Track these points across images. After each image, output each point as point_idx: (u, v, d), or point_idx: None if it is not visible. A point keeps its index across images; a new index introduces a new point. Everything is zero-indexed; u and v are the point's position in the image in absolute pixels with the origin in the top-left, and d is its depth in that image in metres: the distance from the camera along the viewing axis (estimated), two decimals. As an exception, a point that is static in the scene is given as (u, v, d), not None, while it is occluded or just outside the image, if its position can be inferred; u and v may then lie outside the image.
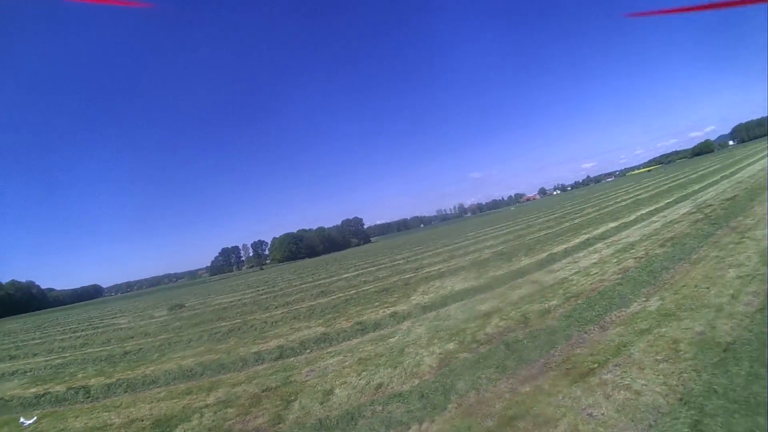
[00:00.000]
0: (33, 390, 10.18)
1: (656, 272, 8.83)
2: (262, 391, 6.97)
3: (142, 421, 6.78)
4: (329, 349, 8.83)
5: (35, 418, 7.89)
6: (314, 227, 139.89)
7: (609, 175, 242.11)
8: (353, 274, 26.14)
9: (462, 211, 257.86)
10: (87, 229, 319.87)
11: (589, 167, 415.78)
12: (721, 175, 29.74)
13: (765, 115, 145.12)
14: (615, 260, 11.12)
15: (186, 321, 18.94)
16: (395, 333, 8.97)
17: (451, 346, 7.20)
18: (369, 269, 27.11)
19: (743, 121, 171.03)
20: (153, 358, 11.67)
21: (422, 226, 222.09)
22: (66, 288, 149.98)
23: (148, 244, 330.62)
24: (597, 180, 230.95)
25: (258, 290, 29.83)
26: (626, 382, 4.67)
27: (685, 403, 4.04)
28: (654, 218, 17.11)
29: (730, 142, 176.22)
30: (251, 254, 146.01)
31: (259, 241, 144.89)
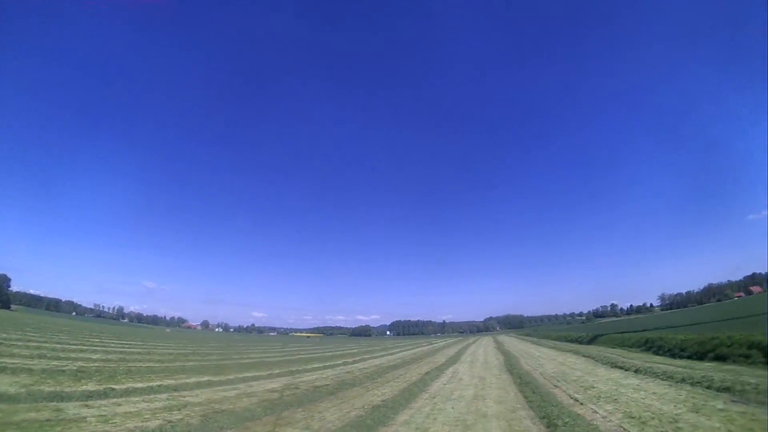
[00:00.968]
0: None
1: None
2: None
3: None
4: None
5: None
6: None
7: (273, 329, 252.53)
8: None
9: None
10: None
11: (259, 316, 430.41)
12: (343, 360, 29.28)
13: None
14: None
15: None
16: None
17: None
18: None
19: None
20: None
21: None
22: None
23: None
24: (260, 330, 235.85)
25: None
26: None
27: None
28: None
29: (388, 332, 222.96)
30: None
31: None
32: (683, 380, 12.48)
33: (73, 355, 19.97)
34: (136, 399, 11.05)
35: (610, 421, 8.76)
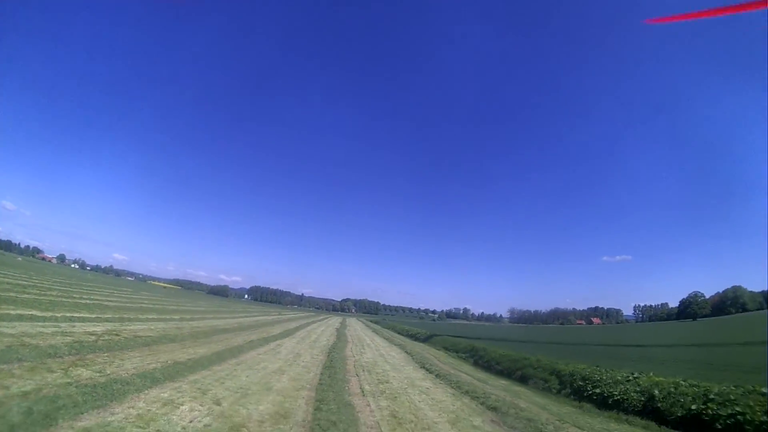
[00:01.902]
0: None
1: None
2: None
3: None
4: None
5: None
6: None
7: (132, 274, 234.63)
8: None
9: None
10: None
11: (120, 258, 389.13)
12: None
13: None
14: None
15: None
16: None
17: None
18: None
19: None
20: None
21: None
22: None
23: None
24: (118, 273, 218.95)
25: None
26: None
27: None
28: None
29: (246, 296, 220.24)
30: None
31: None
32: (467, 392, 13.89)
33: None
34: None
35: (374, 416, 9.72)
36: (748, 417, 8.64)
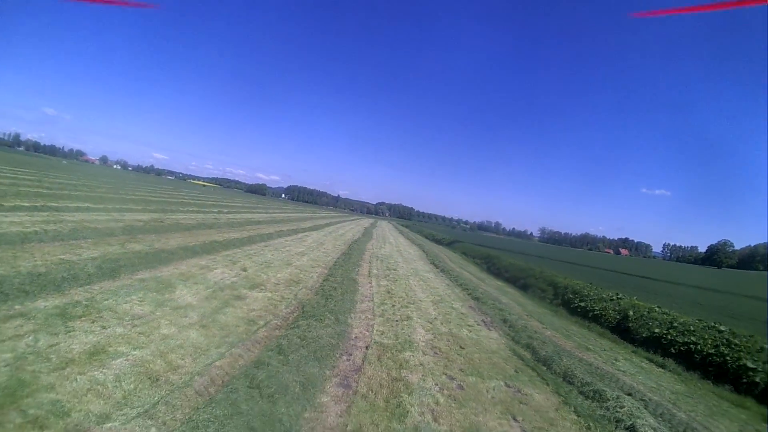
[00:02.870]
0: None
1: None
2: None
3: None
4: None
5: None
6: None
7: (172, 173, 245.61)
8: None
9: None
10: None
11: (160, 158, 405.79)
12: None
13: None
14: None
15: None
16: None
17: None
18: None
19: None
20: None
21: None
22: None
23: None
24: (159, 173, 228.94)
25: None
26: None
27: None
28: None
29: (283, 195, 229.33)
30: None
31: None
32: (461, 285, 15.49)
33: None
34: (21, 214, 13.08)
35: (372, 290, 11.56)
36: (699, 347, 9.87)
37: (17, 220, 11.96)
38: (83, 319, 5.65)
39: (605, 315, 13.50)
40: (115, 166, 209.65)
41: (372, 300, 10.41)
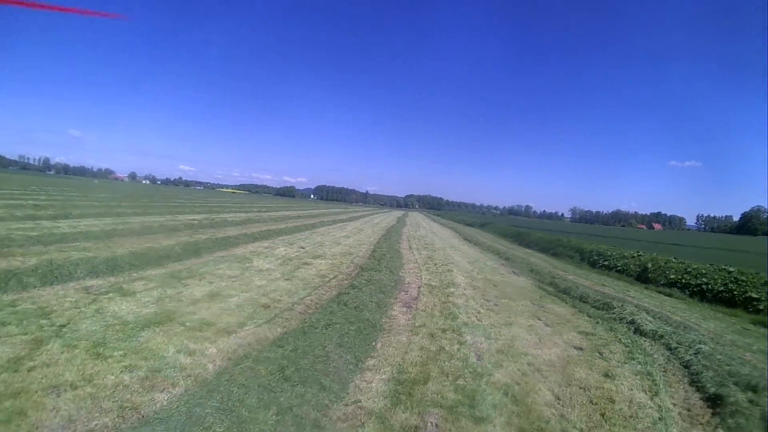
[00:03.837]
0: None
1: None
2: None
3: None
4: None
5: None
6: None
7: (200, 183, 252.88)
8: None
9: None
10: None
11: (187, 170, 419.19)
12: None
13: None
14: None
15: None
16: None
17: None
18: None
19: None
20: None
21: None
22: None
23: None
24: (187, 184, 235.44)
25: None
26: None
27: None
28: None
29: (312, 196, 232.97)
30: None
31: None
32: (493, 251, 18.12)
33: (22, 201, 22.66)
34: (90, 220, 15.20)
35: (415, 257, 13.43)
36: (710, 286, 11.30)
37: (90, 224, 14.01)
38: (191, 279, 7.46)
39: (627, 269, 14.91)
40: (144, 181, 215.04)
41: (416, 262, 12.21)
